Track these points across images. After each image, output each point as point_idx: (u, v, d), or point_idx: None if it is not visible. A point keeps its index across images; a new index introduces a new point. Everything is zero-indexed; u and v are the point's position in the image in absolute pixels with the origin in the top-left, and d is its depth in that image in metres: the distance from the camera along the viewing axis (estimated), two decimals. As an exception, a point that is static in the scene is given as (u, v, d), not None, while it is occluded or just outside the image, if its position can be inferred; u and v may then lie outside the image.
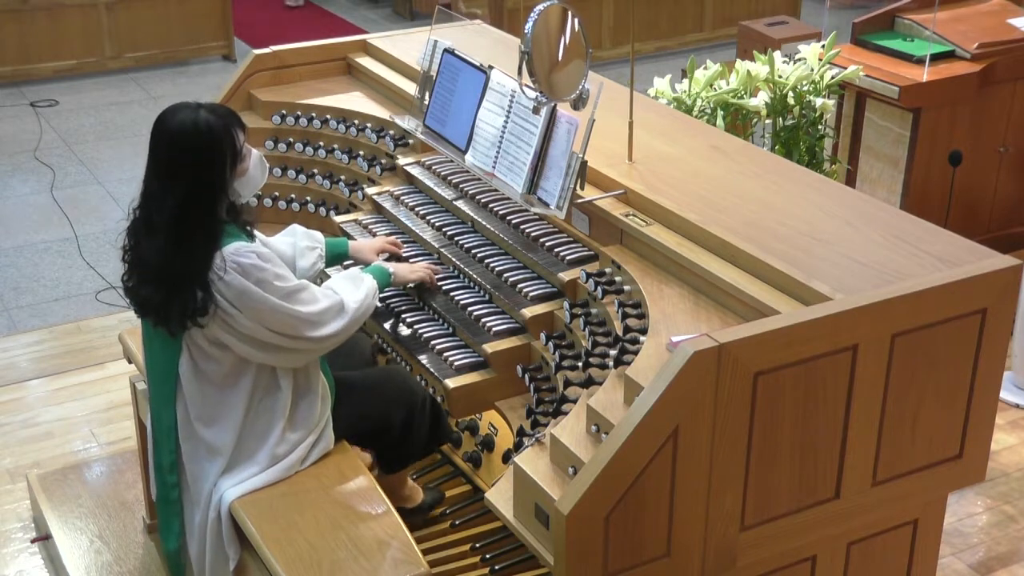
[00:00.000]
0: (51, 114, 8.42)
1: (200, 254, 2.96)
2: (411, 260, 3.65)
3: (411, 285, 3.57)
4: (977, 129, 5.62)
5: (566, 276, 3.29)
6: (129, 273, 3.10)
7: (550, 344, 3.18)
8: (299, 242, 3.50)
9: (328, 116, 4.34)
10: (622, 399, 2.74)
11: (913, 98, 5.37)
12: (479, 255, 3.54)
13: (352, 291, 3.24)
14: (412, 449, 3.50)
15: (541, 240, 3.44)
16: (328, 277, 3.52)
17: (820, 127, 4.91)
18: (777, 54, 4.85)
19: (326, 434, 3.25)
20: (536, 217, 3.53)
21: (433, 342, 3.39)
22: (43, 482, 4.25)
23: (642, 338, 2.88)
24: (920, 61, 5.50)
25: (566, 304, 3.25)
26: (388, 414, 3.38)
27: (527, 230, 3.50)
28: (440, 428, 3.53)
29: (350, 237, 3.83)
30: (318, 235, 3.59)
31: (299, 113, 4.36)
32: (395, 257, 3.66)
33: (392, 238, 3.74)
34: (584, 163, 3.31)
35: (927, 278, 2.79)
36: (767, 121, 4.84)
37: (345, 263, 3.65)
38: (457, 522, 3.72)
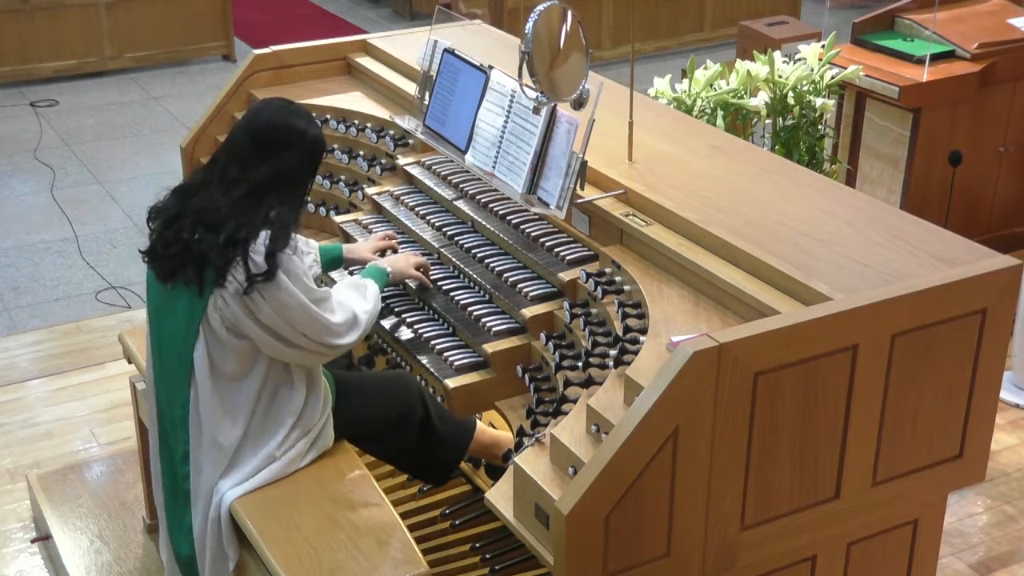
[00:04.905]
0: (51, 114, 8.42)
1: (270, 218, 3.01)
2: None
3: (412, 285, 3.57)
4: (977, 129, 5.62)
5: (566, 276, 3.29)
6: (172, 223, 3.07)
7: (550, 344, 3.18)
8: None
9: (328, 116, 4.34)
10: (622, 399, 2.74)
11: (913, 98, 5.37)
12: (479, 255, 3.54)
13: (360, 301, 3.26)
14: (421, 456, 3.51)
15: (541, 240, 3.44)
16: (330, 282, 3.51)
17: (820, 127, 4.91)
18: (777, 54, 4.84)
19: (325, 432, 3.24)
20: (536, 217, 3.53)
21: (433, 342, 3.39)
22: (43, 482, 4.25)
23: (642, 338, 2.88)
24: (920, 61, 5.50)
25: (566, 304, 3.24)
26: (383, 418, 3.39)
27: (527, 230, 3.50)
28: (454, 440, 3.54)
29: (350, 238, 3.83)
30: (312, 242, 3.59)
31: (299, 113, 4.36)
32: (391, 252, 3.66)
33: (384, 233, 3.73)
34: (584, 163, 3.31)
35: (927, 278, 2.78)
36: (767, 121, 4.84)
37: (344, 268, 3.64)
38: (457, 522, 3.72)
